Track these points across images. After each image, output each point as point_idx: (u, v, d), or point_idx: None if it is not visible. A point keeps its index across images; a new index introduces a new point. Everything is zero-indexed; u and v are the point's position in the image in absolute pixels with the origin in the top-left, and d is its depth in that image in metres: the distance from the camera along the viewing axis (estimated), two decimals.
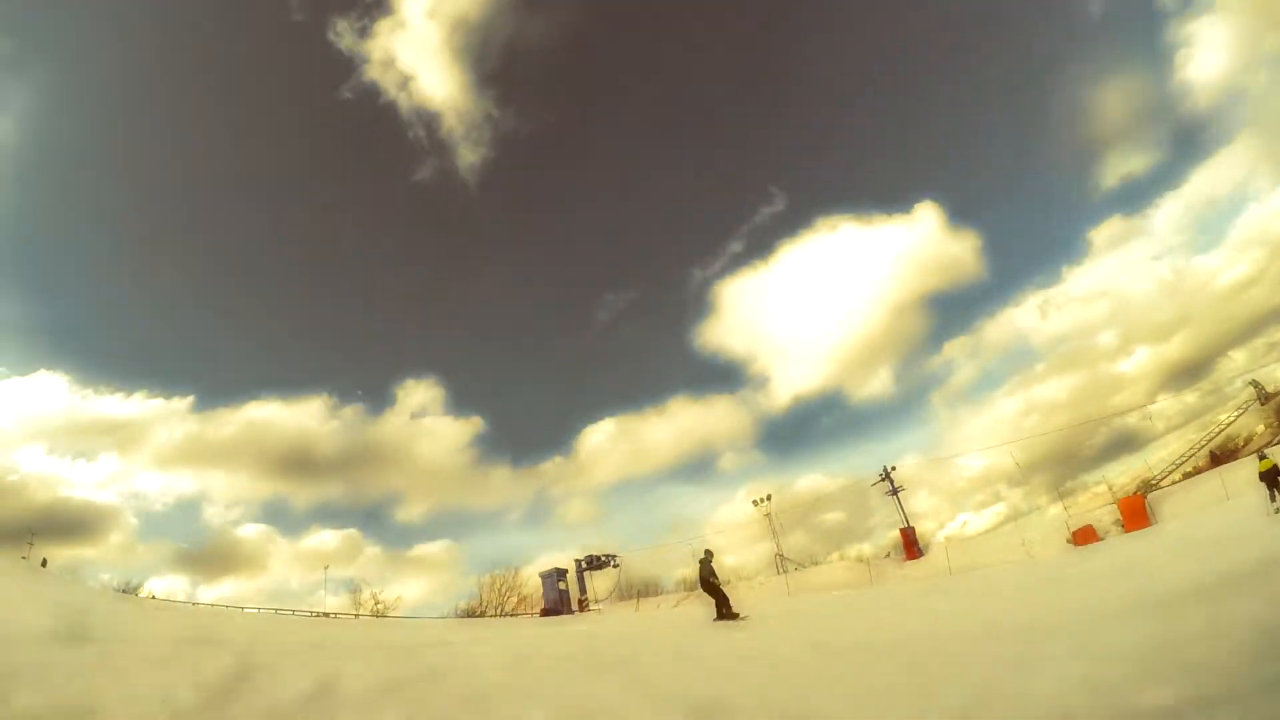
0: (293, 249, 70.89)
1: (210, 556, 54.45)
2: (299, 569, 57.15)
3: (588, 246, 74.87)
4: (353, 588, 40.76)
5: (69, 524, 50.26)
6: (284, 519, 67.83)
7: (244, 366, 71.15)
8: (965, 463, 49.08)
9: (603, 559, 36.03)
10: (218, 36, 62.59)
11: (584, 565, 35.57)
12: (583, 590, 34.78)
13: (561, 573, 34.83)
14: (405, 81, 66.93)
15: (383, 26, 62.91)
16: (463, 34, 62.35)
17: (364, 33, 64.02)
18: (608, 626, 18.06)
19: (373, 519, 72.42)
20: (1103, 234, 54.47)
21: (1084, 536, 23.75)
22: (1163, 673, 3.59)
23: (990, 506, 46.59)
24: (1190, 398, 41.20)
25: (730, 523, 47.86)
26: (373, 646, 9.65)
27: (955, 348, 59.67)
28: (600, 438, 62.75)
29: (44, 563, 29.70)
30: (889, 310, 61.08)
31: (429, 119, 68.74)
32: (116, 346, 65.50)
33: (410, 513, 62.17)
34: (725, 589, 13.68)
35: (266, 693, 4.40)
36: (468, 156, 66.57)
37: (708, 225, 74.10)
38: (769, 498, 39.09)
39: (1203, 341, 46.56)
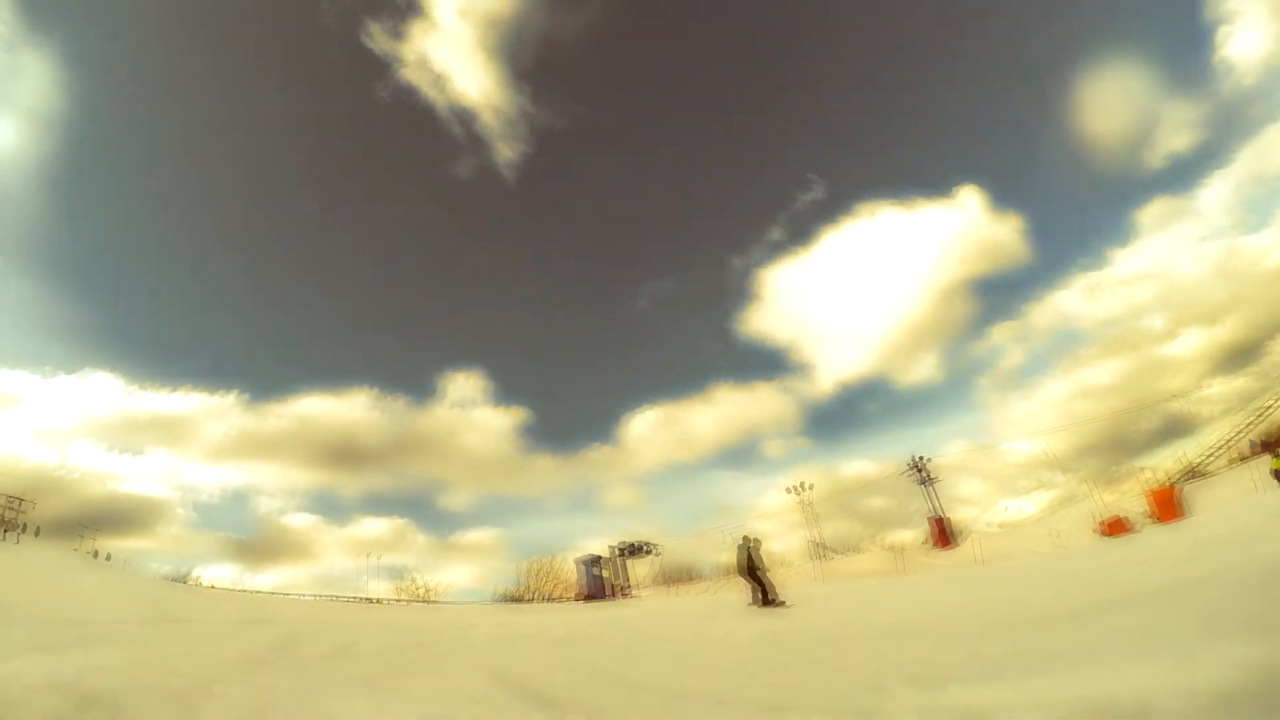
0: (337, 247, 73.29)
1: (260, 546, 56.64)
2: (347, 557, 59.53)
3: (627, 237, 75.61)
4: (398, 575, 42.41)
5: (122, 517, 52.55)
6: (332, 508, 69.91)
7: (290, 361, 73.34)
8: (1013, 448, 48.32)
9: (641, 546, 37.10)
10: (253, 41, 65.31)
11: (622, 552, 36.69)
12: (619, 576, 35.93)
13: (598, 559, 36.10)
14: (440, 81, 68.10)
15: (415, 27, 64.06)
16: (495, 32, 63.23)
17: (397, 34, 65.37)
18: (625, 610, 18.98)
19: (420, 507, 75.13)
20: (1149, 215, 53.04)
21: (1115, 528, 23.44)
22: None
23: (1037, 492, 45.89)
24: (1241, 381, 39.61)
25: (775, 508, 48.09)
26: (392, 625, 10.83)
27: (1002, 332, 58.74)
28: (644, 425, 63.73)
29: (96, 554, 32.41)
30: (933, 295, 60.36)
31: (465, 116, 69.79)
32: (165, 344, 68.06)
33: (456, 501, 63.94)
34: (769, 575, 13.60)
35: (303, 650, 6.42)
36: (505, 152, 67.64)
37: (747, 213, 73.56)
38: (803, 485, 39.57)
39: (1254, 324, 44.45)
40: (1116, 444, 42.07)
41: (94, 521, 41.91)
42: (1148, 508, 23.53)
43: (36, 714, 2.88)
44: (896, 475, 32.96)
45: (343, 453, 61.34)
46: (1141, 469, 32.85)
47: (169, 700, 3.38)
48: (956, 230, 58.74)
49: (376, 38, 62.43)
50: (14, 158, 54.19)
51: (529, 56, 67.29)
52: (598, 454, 62.58)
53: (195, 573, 42.42)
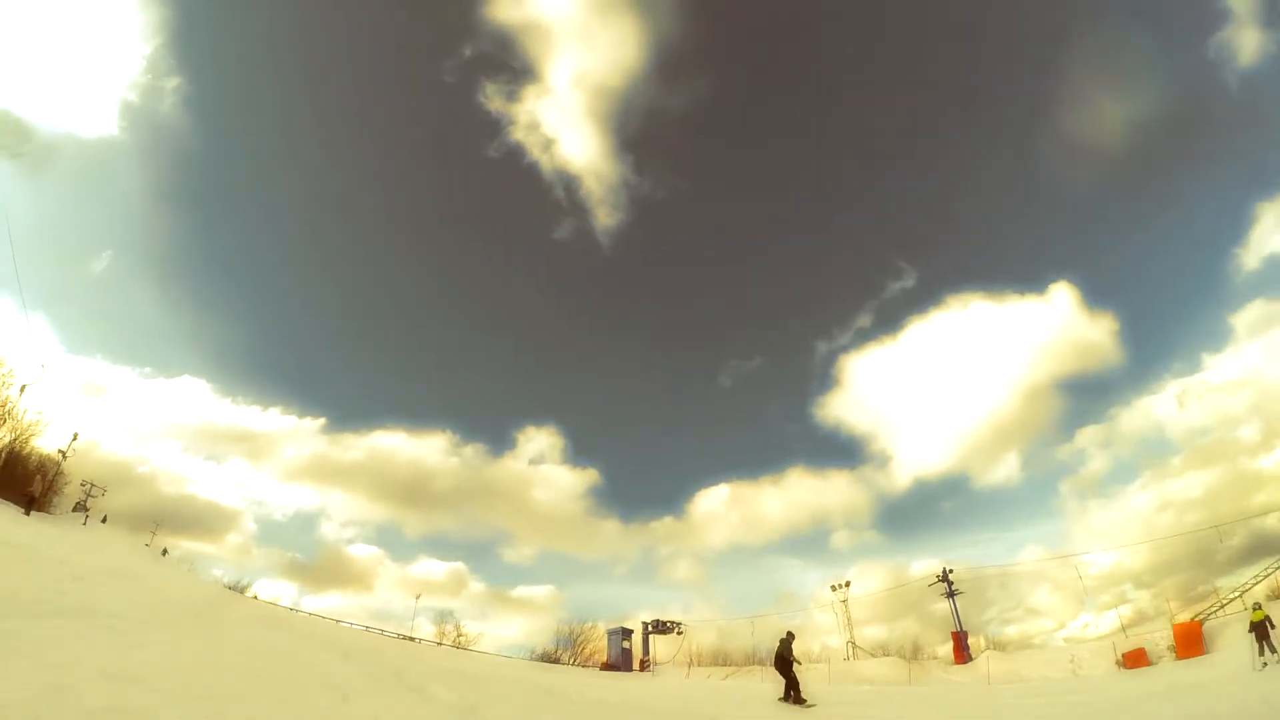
0: (434, 292, 79.55)
1: (320, 570, 58.69)
2: (402, 594, 60.29)
3: (715, 311, 78.12)
4: (438, 618, 43.79)
5: (192, 519, 55.55)
6: (395, 544, 73.01)
7: (376, 395, 78.05)
8: (1091, 559, 45.30)
9: (668, 624, 37.80)
10: (374, 93, 74.09)
11: (650, 628, 37.53)
12: (645, 651, 36.67)
13: (627, 632, 37.14)
14: (548, 143, 73.72)
15: (529, 91, 69.49)
16: (605, 101, 68.59)
17: (511, 96, 71.04)
18: (619, 684, 20.55)
19: (480, 555, 77.37)
20: (1245, 318, 50.35)
21: (1134, 660, 22.35)
22: None
23: (1114, 608, 42.47)
24: None
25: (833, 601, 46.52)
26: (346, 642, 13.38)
27: (1088, 436, 55.80)
28: (713, 501, 63.55)
29: (165, 552, 34.92)
30: (1020, 393, 58.39)
31: (569, 181, 75.11)
32: (260, 363, 74.28)
33: (518, 554, 64.96)
34: (797, 673, 13.76)
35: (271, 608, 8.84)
36: (604, 218, 72.20)
37: (836, 297, 75.44)
38: (848, 584, 38.96)
39: None
40: (1201, 561, 38.89)
41: (164, 519, 45.33)
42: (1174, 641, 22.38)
43: None
44: (924, 587, 32.24)
45: (413, 491, 63.70)
46: (1233, 588, 30.44)
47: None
48: (1047, 327, 57.24)
49: (491, 98, 68.42)
50: (147, 168, 62.56)
51: (635, 128, 72.10)
52: (664, 525, 62.65)
53: (250, 585, 44.20)
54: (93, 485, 39.31)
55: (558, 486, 64.85)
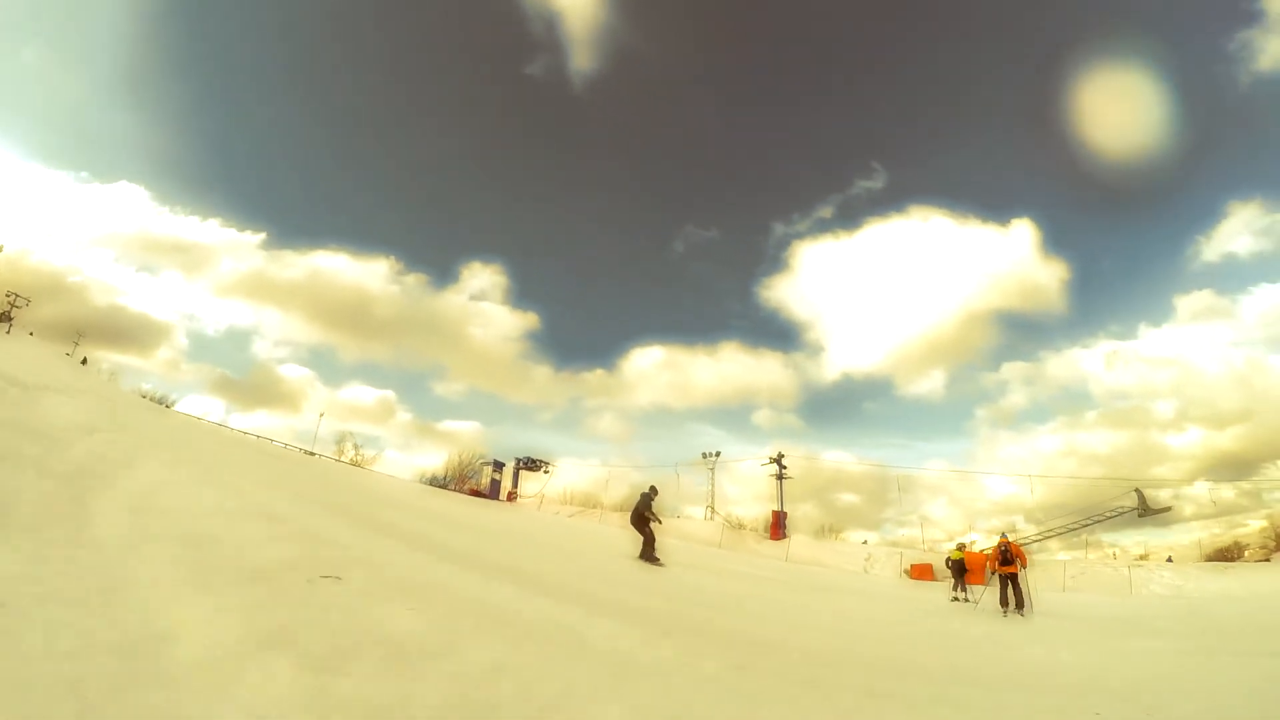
0: (394, 112, 73.45)
1: (249, 388, 59.18)
2: (330, 416, 61.12)
3: (680, 175, 75.41)
4: (339, 438, 44.66)
5: (121, 331, 54.04)
6: (327, 368, 74.13)
7: (321, 213, 73.72)
8: (988, 485, 48.89)
9: (538, 463, 39.87)
10: None
11: (521, 464, 39.59)
12: (515, 484, 38.97)
13: (499, 464, 39.15)
14: None
15: None
16: None
17: None
18: (476, 508, 22.09)
19: (411, 386, 79.86)
20: (1189, 304, 52.59)
21: (920, 573, 24.82)
22: None
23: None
24: (1227, 493, 39.30)
25: (745, 475, 48.99)
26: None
27: (1014, 370, 58.72)
28: (646, 361, 65.06)
29: (84, 361, 33.86)
30: (959, 315, 60.07)
31: (550, 15, 67.89)
32: (203, 171, 69.39)
33: (448, 389, 66.49)
34: (654, 531, 12.71)
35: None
36: (581, 61, 67.02)
37: (802, 183, 73.68)
38: (718, 454, 41.16)
39: (1257, 441, 44.08)
40: (1088, 511, 42.76)
41: (92, 331, 44.22)
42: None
43: None
44: (890, 475, 35.07)
45: (351, 316, 62.27)
46: (1113, 545, 33.83)
47: None
48: (1001, 259, 57.93)
49: None
50: None
51: None
52: (595, 378, 64.07)
53: (177, 401, 43.54)
54: (17, 296, 37.99)
55: (496, 326, 64.14)
